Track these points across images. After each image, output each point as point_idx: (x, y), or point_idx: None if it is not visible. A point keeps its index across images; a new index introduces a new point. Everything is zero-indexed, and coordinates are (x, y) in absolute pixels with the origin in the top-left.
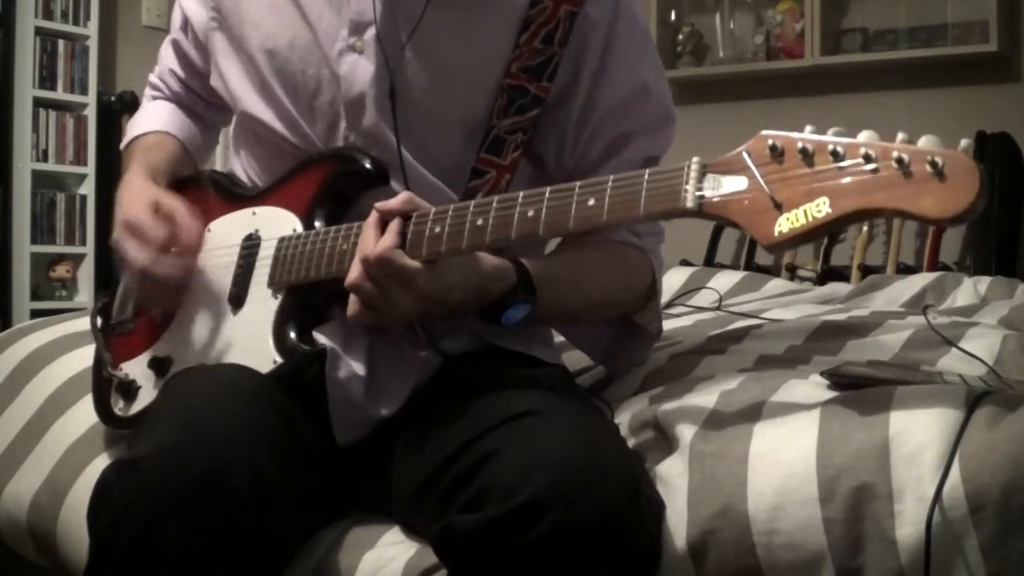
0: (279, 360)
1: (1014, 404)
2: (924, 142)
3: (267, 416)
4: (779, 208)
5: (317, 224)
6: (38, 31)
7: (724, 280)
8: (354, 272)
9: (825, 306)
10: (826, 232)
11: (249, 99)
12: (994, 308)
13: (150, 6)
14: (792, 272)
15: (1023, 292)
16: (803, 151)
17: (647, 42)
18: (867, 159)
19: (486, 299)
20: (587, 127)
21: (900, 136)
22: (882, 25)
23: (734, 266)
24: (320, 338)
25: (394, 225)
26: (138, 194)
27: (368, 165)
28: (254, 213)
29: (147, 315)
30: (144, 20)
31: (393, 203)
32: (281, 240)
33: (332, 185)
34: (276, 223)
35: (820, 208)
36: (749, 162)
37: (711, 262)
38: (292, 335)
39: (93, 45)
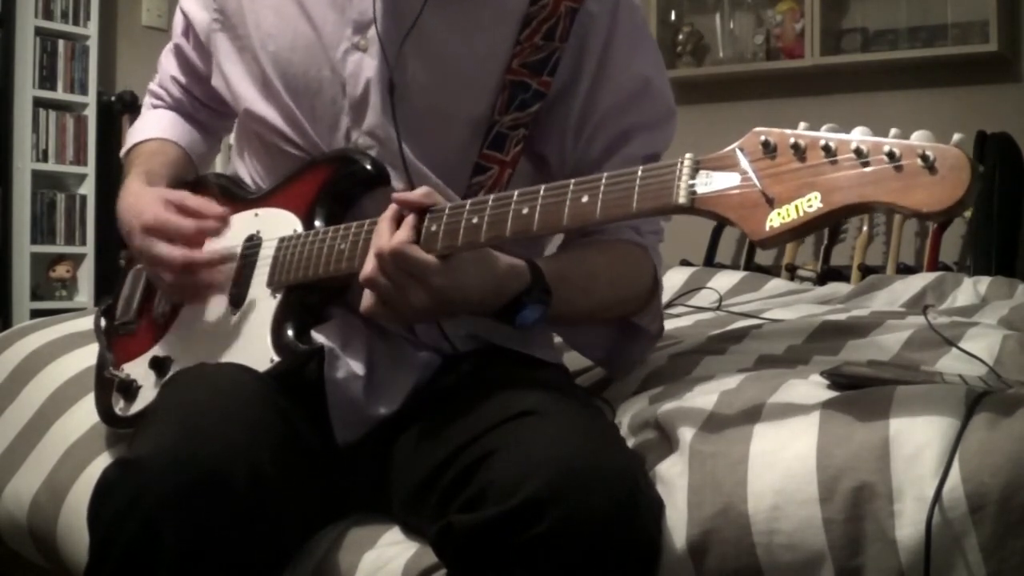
0: (276, 358)
1: (1014, 404)
2: (917, 137)
3: (267, 416)
4: (771, 203)
5: (317, 224)
6: (38, 31)
7: (724, 280)
8: (368, 266)
9: (825, 306)
10: (818, 227)
11: (252, 99)
12: (994, 308)
13: (150, 6)
14: (792, 272)
15: (1023, 292)
16: (795, 146)
17: (648, 38)
18: (858, 154)
19: (501, 299)
20: (588, 124)
21: (893, 131)
22: (882, 25)
23: (734, 266)
24: (318, 337)
25: (410, 219)
26: (142, 198)
27: (368, 166)
28: (256, 214)
29: (150, 316)
30: (144, 20)
31: (413, 195)
32: (281, 240)
33: (333, 186)
34: (277, 224)
35: (811, 203)
36: (742, 158)
37: (711, 262)
38: (289, 333)
39: (93, 45)
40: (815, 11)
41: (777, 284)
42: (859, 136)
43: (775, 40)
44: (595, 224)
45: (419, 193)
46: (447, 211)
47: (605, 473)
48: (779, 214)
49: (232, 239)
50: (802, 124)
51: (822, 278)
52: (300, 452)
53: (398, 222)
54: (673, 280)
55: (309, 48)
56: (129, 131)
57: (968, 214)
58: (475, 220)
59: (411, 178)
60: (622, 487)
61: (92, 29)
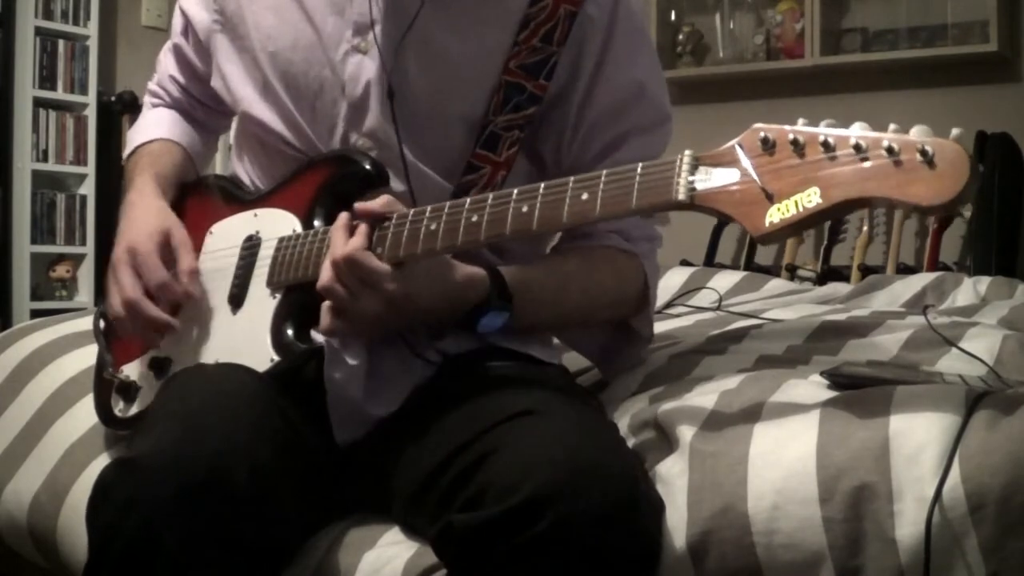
0: (276, 358)
1: (1014, 404)
2: (915, 132)
3: (267, 416)
4: (770, 199)
5: (316, 224)
6: (38, 31)
7: (724, 280)
8: (325, 275)
9: (825, 306)
10: (818, 222)
11: (251, 100)
12: (994, 308)
13: (150, 6)
14: (792, 272)
15: (1023, 292)
16: (794, 143)
17: (645, 42)
18: (857, 149)
19: (459, 308)
20: (583, 126)
21: (891, 127)
22: (882, 25)
23: (734, 266)
24: (318, 337)
25: (363, 227)
26: (151, 217)
27: (368, 166)
28: (255, 215)
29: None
30: (144, 20)
31: (373, 205)
32: (281, 240)
33: (332, 186)
34: (276, 224)
35: (811, 198)
36: (741, 154)
37: (711, 262)
38: (289, 333)
39: (93, 45)
40: (815, 11)
41: (777, 284)
42: (858, 131)
43: (775, 40)
44: (594, 221)
45: (379, 203)
46: (447, 209)
47: (605, 473)
48: (779, 209)
49: (231, 240)
50: (800, 120)
51: (822, 278)
52: (300, 452)
53: (351, 231)
54: (673, 280)
55: (310, 49)
56: (130, 132)
57: (968, 214)
58: (475, 218)
59: (410, 179)
60: (622, 487)
61: (92, 29)
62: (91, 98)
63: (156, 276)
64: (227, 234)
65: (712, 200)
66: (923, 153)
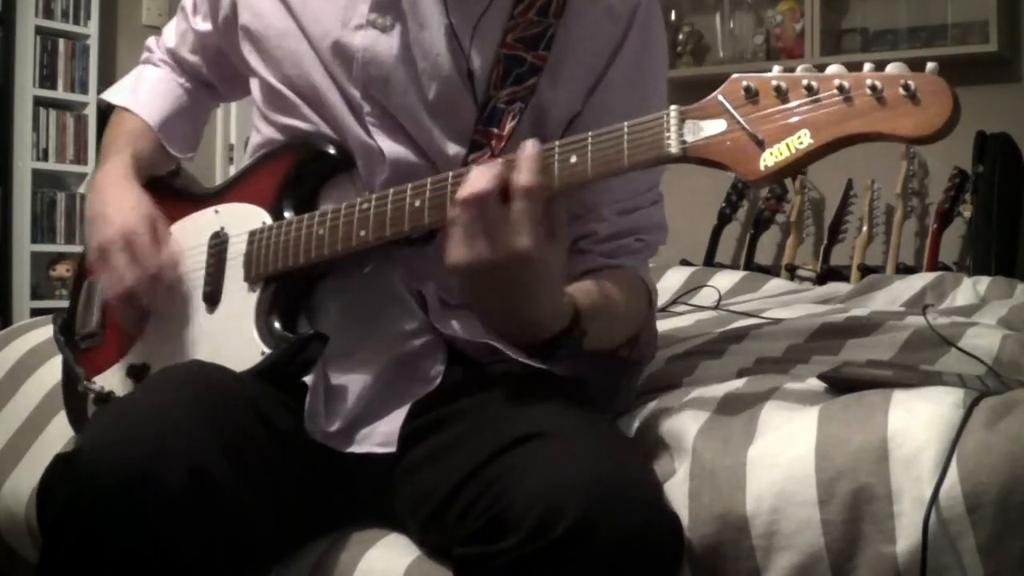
0: (267, 350)
1: (1012, 404)
2: (892, 68)
3: (228, 416)
4: (761, 145)
5: (287, 215)
6: (38, 30)
7: (724, 280)
8: (483, 182)
9: (825, 306)
10: (810, 161)
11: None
12: (993, 308)
13: (150, 5)
14: (792, 272)
15: (1023, 292)
16: (777, 88)
17: (662, 43)
18: (841, 90)
19: (539, 334)
20: (581, 125)
21: (867, 66)
22: (882, 25)
23: (734, 266)
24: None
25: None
26: (137, 201)
27: (332, 151)
28: (216, 211)
29: (115, 324)
30: (144, 19)
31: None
32: (252, 234)
33: (298, 174)
34: (242, 218)
35: (802, 140)
36: (726, 104)
37: (711, 262)
38: (277, 325)
39: (93, 44)
40: (815, 11)
41: (777, 284)
42: (839, 72)
43: (775, 40)
44: (588, 182)
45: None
46: (429, 184)
47: (630, 502)
48: (771, 154)
49: (194, 239)
50: (776, 68)
51: (822, 278)
52: (269, 455)
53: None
54: (673, 279)
55: (325, 25)
56: (128, 77)
57: (968, 214)
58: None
59: (429, 156)
60: (648, 515)
61: (92, 28)
62: (91, 97)
63: (153, 259)
64: (188, 234)
65: (705, 151)
66: (906, 88)
